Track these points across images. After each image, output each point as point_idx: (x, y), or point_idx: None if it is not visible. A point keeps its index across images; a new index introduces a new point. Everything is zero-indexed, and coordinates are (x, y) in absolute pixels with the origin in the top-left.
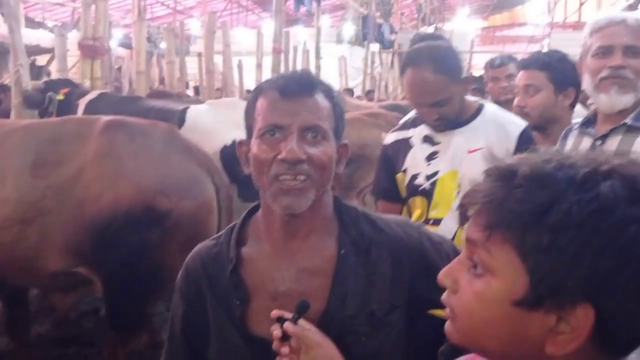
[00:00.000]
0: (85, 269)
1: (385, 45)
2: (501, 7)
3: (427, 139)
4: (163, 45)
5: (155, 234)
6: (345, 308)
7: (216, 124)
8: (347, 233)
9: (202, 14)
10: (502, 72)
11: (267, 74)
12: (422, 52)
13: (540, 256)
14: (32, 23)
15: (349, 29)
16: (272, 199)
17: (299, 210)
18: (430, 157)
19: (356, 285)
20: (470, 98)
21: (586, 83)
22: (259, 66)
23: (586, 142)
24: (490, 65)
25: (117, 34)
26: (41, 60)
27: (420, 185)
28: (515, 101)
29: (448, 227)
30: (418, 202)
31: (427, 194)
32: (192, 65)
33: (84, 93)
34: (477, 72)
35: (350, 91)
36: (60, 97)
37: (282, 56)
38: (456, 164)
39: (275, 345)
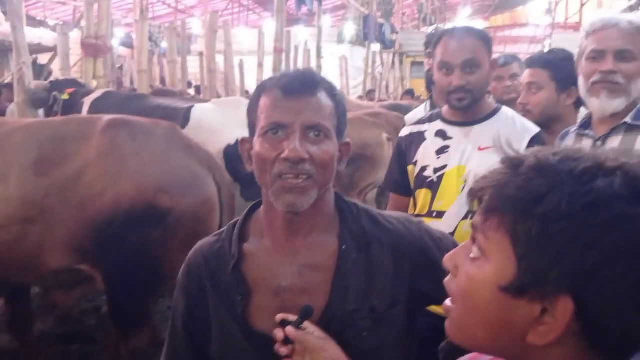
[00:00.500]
0: (87, 266)
1: (387, 45)
2: (502, 7)
3: (440, 133)
4: (164, 44)
5: (157, 232)
6: (347, 303)
7: (221, 123)
8: (349, 229)
9: (203, 13)
10: (506, 72)
11: (268, 74)
12: (458, 27)
13: (529, 244)
14: (33, 22)
15: (350, 29)
16: (274, 197)
17: (301, 208)
18: (441, 151)
19: (357, 280)
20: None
21: (580, 86)
22: (260, 66)
23: (586, 144)
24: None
25: (119, 33)
26: (42, 59)
27: (428, 178)
28: (519, 99)
29: (450, 220)
30: (423, 194)
31: (433, 187)
32: (193, 65)
33: (89, 92)
34: None
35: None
36: (65, 96)
37: (284, 56)
38: (465, 160)
39: (277, 347)
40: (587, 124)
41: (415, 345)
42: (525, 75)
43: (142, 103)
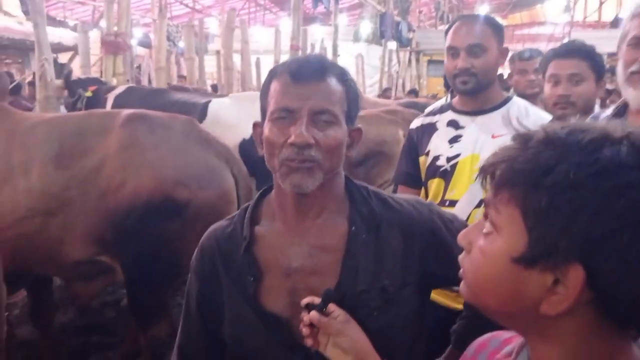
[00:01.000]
0: (107, 258)
1: (403, 43)
2: (520, 5)
3: (452, 123)
4: (181, 44)
5: (175, 224)
6: (357, 283)
7: (237, 118)
8: (358, 211)
9: (220, 12)
10: (530, 65)
11: None
12: (470, 14)
13: (539, 216)
14: (53, 21)
15: (367, 27)
16: (282, 179)
17: (306, 189)
18: (454, 140)
19: (367, 261)
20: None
21: (618, 73)
22: (276, 64)
23: None
24: (519, 57)
25: (137, 33)
26: (63, 58)
27: (441, 167)
28: (556, 90)
29: (463, 208)
30: (436, 184)
31: (446, 176)
32: (210, 64)
33: (112, 89)
34: None
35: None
36: (88, 93)
37: (300, 54)
38: (478, 148)
39: (303, 330)
40: (619, 113)
41: (425, 326)
42: (565, 66)
43: (162, 98)
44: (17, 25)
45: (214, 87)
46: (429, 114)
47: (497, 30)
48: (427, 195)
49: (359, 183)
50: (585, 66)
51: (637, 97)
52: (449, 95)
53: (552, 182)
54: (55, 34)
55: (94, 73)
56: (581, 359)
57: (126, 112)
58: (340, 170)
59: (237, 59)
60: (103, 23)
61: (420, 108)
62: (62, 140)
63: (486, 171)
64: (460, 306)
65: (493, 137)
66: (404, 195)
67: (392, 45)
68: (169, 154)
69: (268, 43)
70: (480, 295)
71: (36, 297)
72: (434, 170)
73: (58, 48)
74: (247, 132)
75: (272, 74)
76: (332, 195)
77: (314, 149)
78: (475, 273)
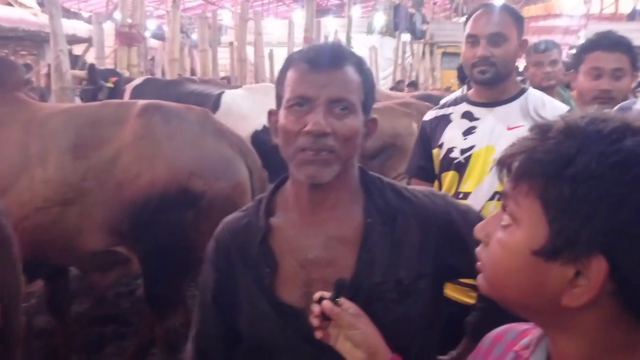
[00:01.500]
0: (123, 248)
1: (417, 35)
2: None
3: (466, 115)
4: (194, 36)
5: (190, 214)
6: (373, 275)
7: (250, 109)
8: (374, 203)
9: (233, 4)
10: (546, 57)
11: None
12: (491, 3)
13: (560, 207)
14: (68, 13)
15: (380, 19)
16: (296, 169)
17: (321, 180)
18: (468, 132)
19: (383, 252)
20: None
21: None
22: None
23: None
24: (535, 49)
25: (150, 25)
26: (77, 49)
27: (455, 159)
28: (597, 84)
29: (476, 200)
30: (450, 177)
31: (461, 168)
32: (223, 56)
33: (131, 80)
34: None
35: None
36: (110, 84)
37: None
38: (494, 140)
39: (312, 321)
40: None
41: (440, 318)
42: (609, 60)
43: (178, 89)
44: (32, 17)
45: (228, 80)
46: (442, 106)
47: (519, 21)
48: (440, 188)
49: (373, 174)
50: (627, 60)
51: None
52: (465, 88)
53: (573, 173)
54: (69, 26)
55: (108, 65)
56: (602, 351)
57: (141, 102)
58: (354, 161)
59: (250, 51)
60: (117, 15)
61: (434, 100)
62: (78, 131)
63: (504, 163)
64: (471, 300)
65: (509, 128)
66: (418, 186)
67: (406, 37)
68: (184, 144)
69: (281, 35)
70: (500, 289)
71: (53, 287)
72: (448, 163)
73: (72, 40)
74: (259, 123)
75: (289, 62)
76: (346, 186)
77: (331, 137)
78: (494, 266)
